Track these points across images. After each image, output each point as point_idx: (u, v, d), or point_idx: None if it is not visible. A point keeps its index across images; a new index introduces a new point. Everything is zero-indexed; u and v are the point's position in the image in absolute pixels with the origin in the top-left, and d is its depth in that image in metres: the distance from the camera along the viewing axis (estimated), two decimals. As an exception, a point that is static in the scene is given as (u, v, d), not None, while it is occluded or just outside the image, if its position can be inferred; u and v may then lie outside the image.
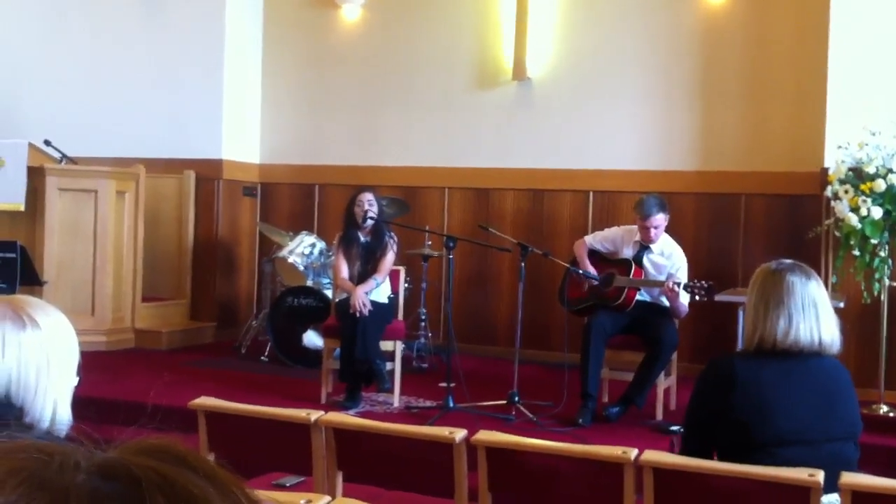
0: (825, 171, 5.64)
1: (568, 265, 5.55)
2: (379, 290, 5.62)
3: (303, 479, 3.56)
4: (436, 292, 7.06)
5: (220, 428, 3.22)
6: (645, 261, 5.39)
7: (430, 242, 6.78)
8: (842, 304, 5.05)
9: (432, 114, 7.53)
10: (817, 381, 2.64)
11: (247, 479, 0.67)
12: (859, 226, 5.13)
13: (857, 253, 5.23)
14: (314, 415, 3.08)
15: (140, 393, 5.45)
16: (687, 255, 5.50)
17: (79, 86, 8.16)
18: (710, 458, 2.66)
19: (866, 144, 5.33)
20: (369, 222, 5.61)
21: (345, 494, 3.08)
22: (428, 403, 5.45)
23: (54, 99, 8.20)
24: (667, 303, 5.31)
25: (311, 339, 6.37)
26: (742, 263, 6.54)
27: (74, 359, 1.83)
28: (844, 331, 2.74)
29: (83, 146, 7.51)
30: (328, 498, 2.48)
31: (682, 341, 5.57)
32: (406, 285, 6.28)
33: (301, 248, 6.73)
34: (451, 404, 5.15)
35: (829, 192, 5.40)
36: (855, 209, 5.16)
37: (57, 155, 7.11)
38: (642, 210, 5.31)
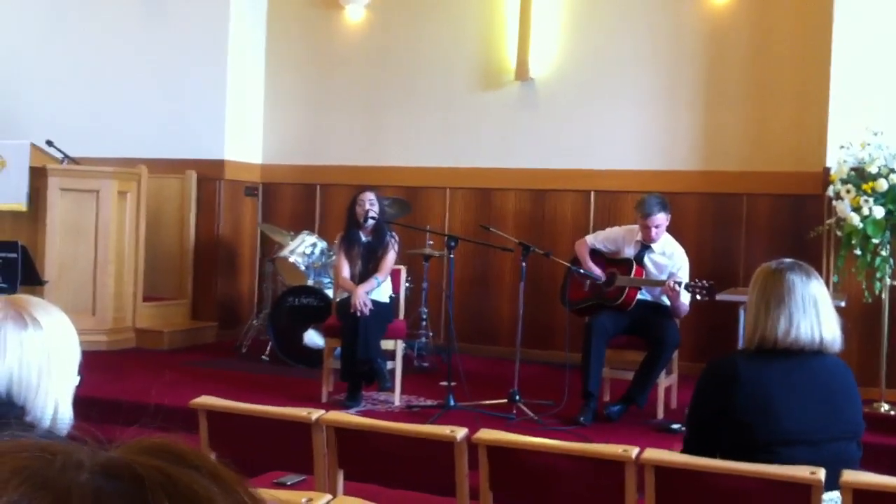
0: (827, 170, 5.64)
1: (569, 265, 5.55)
2: (380, 290, 5.62)
3: (304, 477, 3.56)
4: (437, 292, 7.06)
5: (222, 427, 3.22)
6: (646, 260, 5.39)
7: (431, 242, 6.79)
8: (843, 304, 5.05)
9: (435, 114, 7.52)
10: (820, 380, 2.64)
11: (248, 478, 0.67)
12: (861, 225, 5.13)
13: (858, 252, 5.23)
14: (315, 414, 3.08)
15: (141, 393, 5.46)
16: (689, 255, 5.50)
17: (81, 86, 8.17)
18: (713, 458, 2.66)
19: (868, 144, 5.33)
20: (370, 222, 5.62)
21: (346, 493, 3.08)
22: (429, 402, 5.45)
23: (56, 99, 8.21)
24: (668, 302, 5.31)
25: (312, 338, 6.38)
26: (744, 263, 6.54)
27: (76, 358, 1.83)
28: (846, 329, 2.74)
29: (85, 146, 7.52)
30: (329, 496, 2.48)
31: (684, 340, 5.57)
32: (407, 285, 6.28)
33: (302, 248, 6.73)
34: (452, 403, 5.15)
35: (830, 191, 5.40)
36: (857, 209, 5.16)
37: (59, 155, 7.12)
38: (643, 209, 5.31)
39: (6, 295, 1.91)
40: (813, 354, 2.63)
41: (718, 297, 5.26)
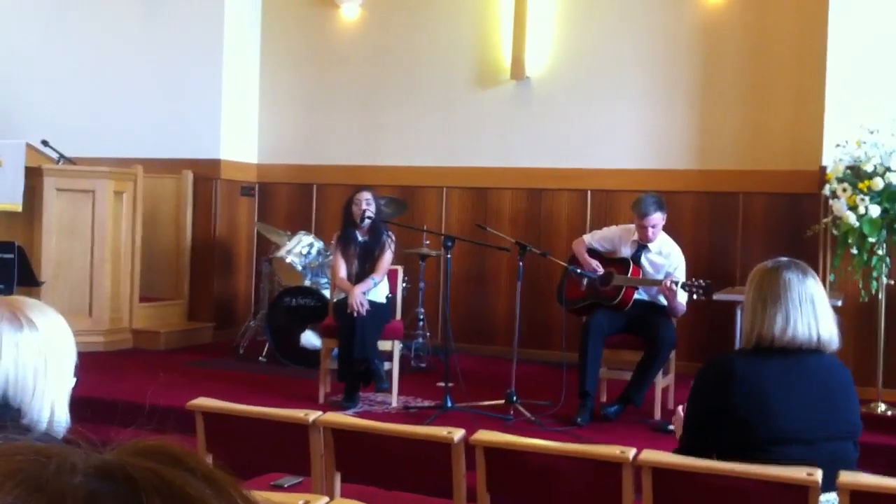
0: (823, 169, 5.65)
1: (566, 265, 5.55)
2: (377, 290, 5.62)
3: (301, 479, 3.56)
4: (434, 292, 7.06)
5: (218, 428, 3.22)
6: (643, 260, 5.39)
7: (428, 242, 6.79)
8: (840, 303, 5.05)
9: (430, 113, 7.52)
10: (818, 378, 2.64)
11: (245, 480, 0.67)
12: (857, 224, 5.14)
13: (854, 251, 5.24)
14: (312, 415, 3.08)
15: (138, 393, 5.45)
16: (686, 254, 5.50)
17: (77, 86, 8.16)
18: (709, 457, 2.66)
19: (864, 143, 5.33)
20: (367, 222, 5.61)
21: (343, 495, 3.08)
22: (426, 403, 5.45)
23: (52, 99, 8.20)
24: (665, 302, 5.32)
25: (309, 339, 6.37)
26: (741, 262, 6.54)
27: (72, 360, 1.83)
28: (843, 328, 2.74)
29: (81, 146, 7.51)
30: (326, 498, 2.48)
31: (681, 340, 5.57)
32: (404, 285, 6.28)
33: (299, 248, 6.73)
34: (450, 404, 5.15)
35: (826, 190, 5.40)
36: (853, 207, 5.17)
37: (54, 155, 7.11)
38: (640, 209, 5.32)
39: (2, 296, 1.91)
40: (810, 352, 2.63)
41: (715, 296, 5.26)
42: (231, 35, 7.83)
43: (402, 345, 5.81)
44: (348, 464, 3.10)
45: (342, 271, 5.64)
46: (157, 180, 7.62)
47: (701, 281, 5.11)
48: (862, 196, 5.15)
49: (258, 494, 0.68)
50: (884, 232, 5.20)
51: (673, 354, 5.42)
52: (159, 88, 7.90)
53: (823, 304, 2.65)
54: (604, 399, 5.48)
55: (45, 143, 7.11)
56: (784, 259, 2.75)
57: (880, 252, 5.23)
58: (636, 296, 5.36)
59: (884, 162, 5.23)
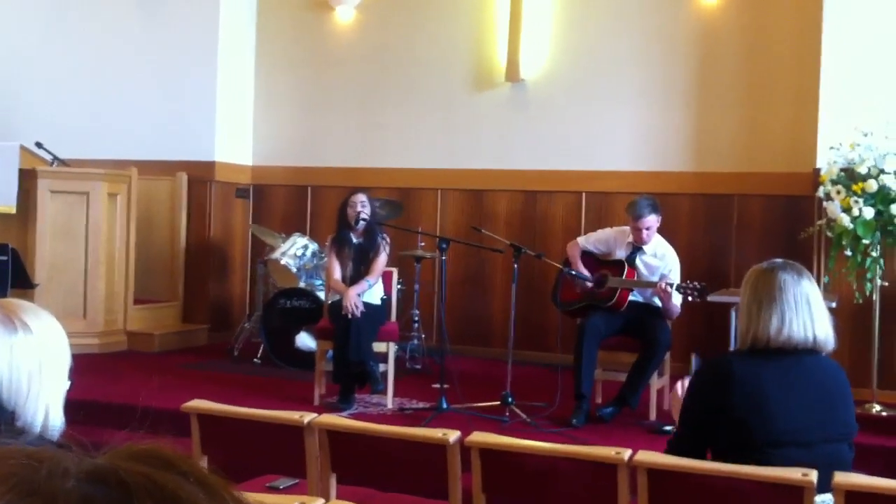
0: (817, 171, 5.66)
1: (561, 267, 5.55)
2: (372, 292, 5.61)
3: (297, 481, 3.55)
4: (429, 294, 7.06)
5: (214, 430, 3.21)
6: (638, 262, 5.40)
7: (423, 244, 6.78)
8: (834, 304, 5.06)
9: (426, 116, 7.52)
10: (814, 380, 2.64)
11: (240, 482, 0.67)
12: (851, 226, 5.15)
13: (849, 253, 5.25)
14: (307, 417, 3.08)
15: (132, 395, 5.44)
16: (680, 256, 5.51)
17: (71, 88, 8.14)
18: (703, 457, 2.66)
19: (858, 145, 5.34)
20: (362, 224, 5.61)
21: (339, 497, 3.08)
22: (421, 405, 5.45)
23: (46, 101, 8.18)
24: (659, 303, 5.32)
25: (304, 340, 6.37)
26: (735, 264, 6.55)
27: (66, 362, 1.82)
28: (838, 329, 2.75)
29: (75, 148, 7.50)
30: (322, 500, 2.48)
31: (676, 342, 5.58)
32: (399, 287, 6.28)
33: (293, 250, 6.72)
34: (445, 405, 5.15)
35: (821, 192, 5.41)
36: (847, 210, 5.18)
37: (48, 157, 7.10)
38: (634, 211, 5.32)
39: (-5, 299, 1.90)
40: (807, 353, 2.63)
41: (710, 298, 5.27)
42: (226, 37, 7.82)
43: (397, 347, 5.81)
44: (344, 465, 3.10)
45: (337, 273, 5.64)
46: (152, 182, 7.61)
47: (696, 283, 5.12)
48: (856, 198, 5.16)
49: (252, 497, 0.68)
50: (878, 234, 5.21)
51: (668, 356, 5.43)
52: (154, 90, 7.88)
53: (819, 305, 2.65)
54: (599, 400, 5.48)
55: (39, 145, 7.10)
56: (779, 260, 2.76)
57: (874, 254, 5.25)
58: (631, 297, 5.36)
59: (878, 164, 5.24)
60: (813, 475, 2.40)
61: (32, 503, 0.58)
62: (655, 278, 5.29)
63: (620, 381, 5.30)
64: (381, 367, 5.57)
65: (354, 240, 5.69)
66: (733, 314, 5.13)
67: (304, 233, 7.15)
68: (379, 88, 7.66)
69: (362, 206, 5.63)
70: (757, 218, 6.65)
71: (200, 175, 7.73)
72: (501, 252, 5.91)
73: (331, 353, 5.55)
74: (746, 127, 6.69)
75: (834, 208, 5.23)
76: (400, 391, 5.63)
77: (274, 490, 3.53)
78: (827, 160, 5.49)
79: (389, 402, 5.46)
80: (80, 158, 7.37)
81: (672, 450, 2.74)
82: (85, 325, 6.79)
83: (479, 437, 2.90)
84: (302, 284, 6.60)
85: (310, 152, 7.87)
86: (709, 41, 6.80)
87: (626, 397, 5.20)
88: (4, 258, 5.71)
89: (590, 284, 5.41)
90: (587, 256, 5.57)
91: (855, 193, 5.18)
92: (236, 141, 7.98)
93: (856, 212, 5.14)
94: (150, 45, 7.91)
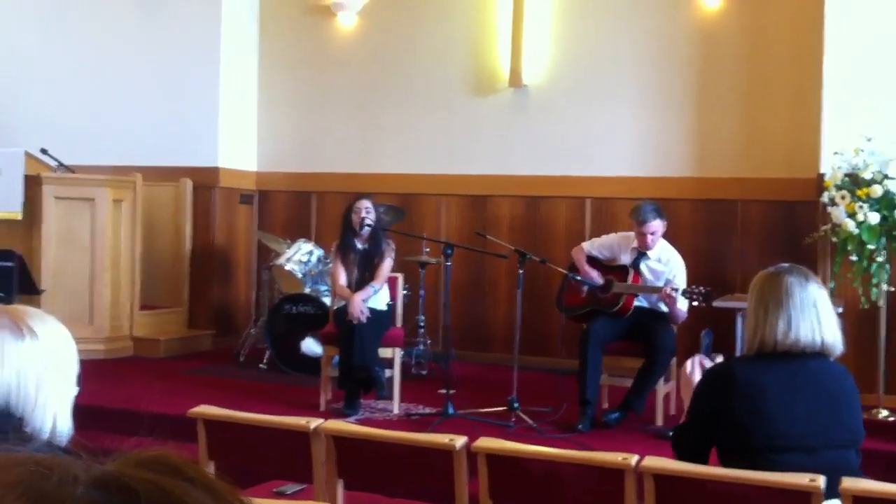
0: (821, 176, 5.65)
1: (566, 272, 5.54)
2: (377, 298, 5.61)
3: (303, 486, 3.55)
4: (434, 299, 7.06)
5: (220, 436, 3.21)
6: (642, 267, 5.39)
7: (427, 249, 6.78)
8: (840, 310, 5.04)
9: (429, 121, 7.53)
10: (821, 384, 2.64)
11: (247, 488, 0.67)
12: (856, 231, 5.14)
13: (854, 258, 5.24)
14: (313, 422, 3.08)
15: (138, 401, 5.45)
16: (685, 262, 5.50)
17: (75, 95, 8.16)
18: (704, 460, 2.67)
19: (862, 150, 5.33)
20: (367, 229, 5.62)
21: (345, 502, 3.08)
22: (427, 410, 5.45)
23: (50, 108, 8.20)
24: (665, 308, 5.31)
25: (310, 346, 6.37)
26: (739, 269, 6.54)
27: (74, 368, 1.83)
28: (846, 332, 2.74)
29: (80, 154, 7.50)
30: (328, 506, 2.47)
31: (681, 347, 5.56)
32: (404, 292, 6.28)
33: (298, 256, 6.73)
34: (451, 411, 5.14)
35: (825, 197, 5.40)
36: (852, 215, 5.17)
37: (53, 163, 7.11)
38: (638, 217, 5.32)
39: (3, 305, 1.91)
40: (813, 357, 2.63)
41: (715, 303, 5.26)
42: (229, 43, 7.83)
43: (402, 352, 5.81)
44: (350, 471, 3.09)
45: (342, 279, 5.64)
46: (156, 188, 7.62)
47: (701, 288, 5.11)
48: (861, 203, 5.15)
49: (259, 503, 0.68)
50: (883, 239, 5.20)
51: (673, 361, 5.42)
52: (158, 96, 7.89)
53: (826, 308, 2.65)
54: (605, 406, 5.47)
55: (44, 151, 7.11)
56: (786, 265, 2.75)
57: (880, 259, 5.23)
58: (636, 303, 5.36)
59: (882, 169, 5.23)
60: (820, 481, 2.39)
61: (42, 510, 0.58)
62: (660, 283, 5.29)
63: (625, 387, 5.29)
64: (387, 372, 5.57)
65: (359, 245, 5.69)
66: (738, 319, 5.12)
67: (308, 238, 7.16)
68: (381, 93, 7.67)
69: (367, 211, 5.63)
70: (759, 223, 6.64)
71: (204, 181, 7.74)
72: (506, 257, 5.91)
73: (336, 358, 5.55)
74: (747, 132, 6.68)
75: (839, 213, 5.22)
76: (406, 396, 5.63)
77: (281, 495, 3.53)
78: (831, 165, 5.48)
79: (395, 407, 5.46)
80: (83, 164, 7.38)
81: (677, 438, 2.80)
82: (91, 330, 6.80)
83: (486, 442, 2.89)
84: (307, 290, 6.60)
85: (314, 158, 7.88)
86: (709, 46, 6.79)
87: (632, 403, 5.19)
88: (11, 264, 5.72)
89: (601, 281, 5.39)
90: (592, 262, 5.57)
91: (859, 198, 5.17)
92: (240, 147, 7.99)
93: (861, 217, 5.13)
94: (153, 53, 7.91)
